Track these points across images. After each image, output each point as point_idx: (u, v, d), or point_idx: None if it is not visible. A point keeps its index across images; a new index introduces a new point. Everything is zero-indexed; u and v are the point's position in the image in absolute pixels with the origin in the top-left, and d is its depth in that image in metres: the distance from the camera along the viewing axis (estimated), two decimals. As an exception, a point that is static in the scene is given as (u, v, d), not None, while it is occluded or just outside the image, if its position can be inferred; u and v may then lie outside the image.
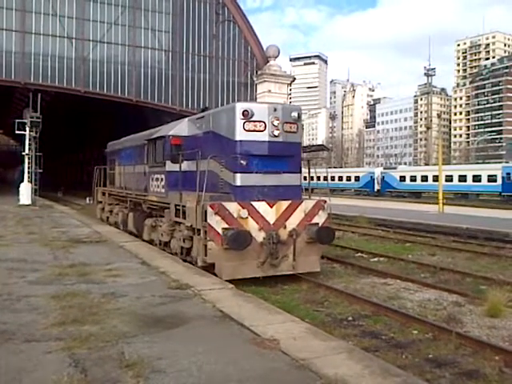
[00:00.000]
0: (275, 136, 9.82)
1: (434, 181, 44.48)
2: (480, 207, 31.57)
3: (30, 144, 29.29)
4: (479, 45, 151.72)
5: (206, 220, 9.33)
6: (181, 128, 12.14)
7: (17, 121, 29.56)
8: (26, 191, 28.23)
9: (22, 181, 29.08)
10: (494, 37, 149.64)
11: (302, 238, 9.98)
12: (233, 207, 9.39)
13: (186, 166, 11.20)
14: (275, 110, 9.88)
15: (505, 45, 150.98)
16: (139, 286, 7.81)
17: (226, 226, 9.26)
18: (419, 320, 7.46)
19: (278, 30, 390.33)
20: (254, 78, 33.72)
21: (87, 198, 35.88)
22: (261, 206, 9.64)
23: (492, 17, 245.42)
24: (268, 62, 33.69)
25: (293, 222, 9.93)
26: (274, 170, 9.97)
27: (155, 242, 12.69)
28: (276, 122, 9.78)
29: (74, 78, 29.68)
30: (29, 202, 27.71)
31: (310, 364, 4.57)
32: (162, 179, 12.29)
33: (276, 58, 34.07)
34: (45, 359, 4.62)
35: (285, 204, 9.88)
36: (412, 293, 9.51)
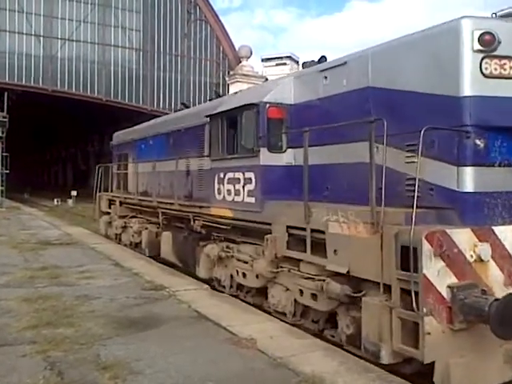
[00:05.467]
0: None
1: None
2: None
3: (-4, 144, 28.55)
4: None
5: (411, 269, 4.27)
6: (282, 91, 7.16)
7: (-18, 121, 28.78)
8: (-8, 193, 27.53)
9: (-12, 182, 28.35)
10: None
11: None
12: (464, 238, 4.57)
13: (296, 156, 6.91)
14: None
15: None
16: (113, 287, 7.75)
17: (455, 280, 4.49)
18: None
19: (247, 31, 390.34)
20: (226, 78, 33.68)
21: (55, 200, 35.23)
22: (508, 235, 4.80)
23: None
24: (240, 62, 33.73)
25: None
26: None
27: (222, 284, 8.28)
28: None
29: (41, 76, 29.10)
30: (-5, 203, 27.04)
31: (287, 362, 4.64)
32: (248, 180, 7.28)
33: (248, 58, 34.16)
34: (19, 363, 4.55)
35: None
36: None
